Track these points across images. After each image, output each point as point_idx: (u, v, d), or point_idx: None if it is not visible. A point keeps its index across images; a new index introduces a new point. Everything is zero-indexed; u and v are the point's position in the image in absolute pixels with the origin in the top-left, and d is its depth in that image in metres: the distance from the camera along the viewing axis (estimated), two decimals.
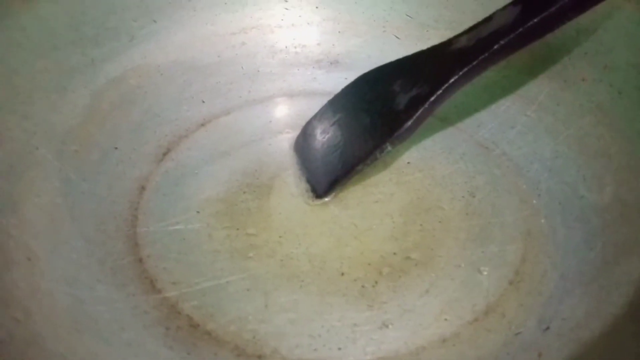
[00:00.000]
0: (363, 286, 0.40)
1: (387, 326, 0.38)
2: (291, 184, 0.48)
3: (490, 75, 0.47)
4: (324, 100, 0.52)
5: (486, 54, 0.43)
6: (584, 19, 0.48)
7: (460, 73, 0.43)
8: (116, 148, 0.49)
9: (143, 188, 0.47)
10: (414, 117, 0.44)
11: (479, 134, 0.52)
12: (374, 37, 0.60)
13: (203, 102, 0.55)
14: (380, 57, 0.52)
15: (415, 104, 0.44)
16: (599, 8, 0.43)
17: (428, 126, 0.51)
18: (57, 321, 0.36)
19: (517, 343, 0.36)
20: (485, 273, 0.41)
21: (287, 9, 0.61)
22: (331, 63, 0.60)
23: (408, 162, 0.50)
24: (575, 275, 0.40)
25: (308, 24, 0.61)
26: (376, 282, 0.40)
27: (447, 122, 0.53)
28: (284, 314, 0.38)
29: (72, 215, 0.44)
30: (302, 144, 0.51)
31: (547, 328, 0.37)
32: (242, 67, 0.58)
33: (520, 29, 0.42)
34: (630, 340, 0.34)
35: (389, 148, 0.45)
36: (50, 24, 0.50)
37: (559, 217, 0.44)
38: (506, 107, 0.53)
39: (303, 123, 0.52)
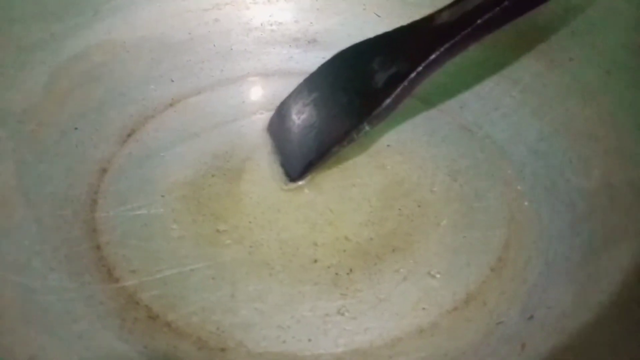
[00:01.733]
0: (337, 274, 0.38)
1: (361, 316, 0.35)
2: (264, 167, 0.45)
3: (473, 54, 0.44)
4: (300, 80, 0.49)
5: (469, 29, 0.40)
6: None
7: (442, 49, 0.41)
8: (76, 128, 0.46)
9: (104, 170, 0.44)
10: (393, 96, 0.41)
11: (462, 115, 0.50)
12: (354, 14, 0.57)
13: (172, 81, 0.52)
14: (360, 36, 0.49)
15: (394, 82, 0.42)
16: None
17: (408, 108, 0.48)
18: (3, 312, 0.33)
19: (499, 333, 0.34)
20: (465, 260, 0.38)
21: None
22: (309, 42, 0.57)
23: (387, 145, 0.47)
24: (561, 262, 0.38)
25: (285, 0, 0.58)
26: (351, 270, 0.38)
27: (428, 103, 0.51)
28: (251, 303, 0.36)
29: (27, 198, 0.41)
30: (276, 125, 0.48)
31: (531, 317, 0.34)
32: (214, 45, 0.55)
33: (506, 2, 0.40)
34: (618, 330, 0.32)
35: (367, 128, 0.42)
36: None
37: (544, 201, 0.42)
38: (490, 88, 0.51)
39: (278, 103, 0.49)
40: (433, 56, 0.41)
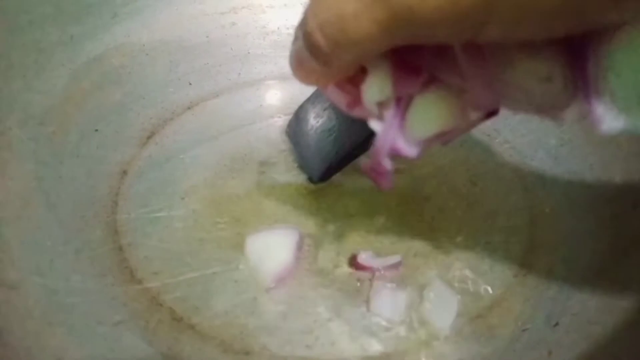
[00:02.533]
0: (359, 279, 0.37)
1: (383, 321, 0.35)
2: (283, 171, 0.45)
3: None
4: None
5: None
6: None
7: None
8: (97, 130, 0.46)
9: (124, 173, 0.44)
10: None
11: None
12: None
13: (190, 84, 0.52)
14: None
15: None
16: None
17: None
18: (26, 314, 0.33)
19: (525, 340, 0.34)
20: (488, 265, 0.38)
21: None
22: None
23: None
24: (584, 268, 0.37)
25: (301, 3, 0.56)
26: (373, 275, 0.38)
27: None
28: (275, 307, 0.36)
29: (48, 200, 0.41)
30: (295, 128, 0.48)
31: (557, 324, 0.34)
32: (231, 49, 0.55)
33: None
34: None
35: None
36: None
37: (566, 207, 0.42)
38: None
39: (295, 107, 0.49)
40: None
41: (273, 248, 0.38)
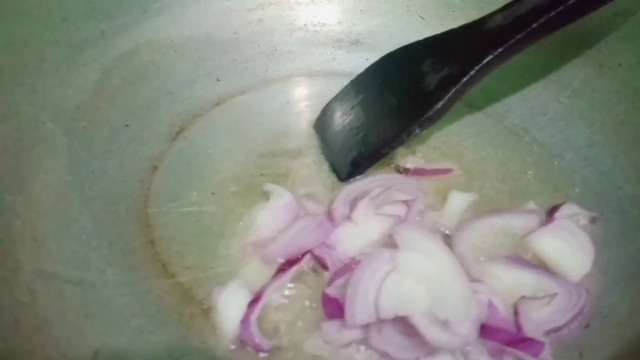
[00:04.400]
0: None
1: None
2: (311, 167, 0.46)
3: (520, 58, 0.44)
4: (344, 81, 0.49)
5: (523, 33, 0.40)
6: (623, 0, 0.46)
7: (496, 53, 0.41)
8: (127, 125, 0.47)
9: (155, 168, 0.45)
10: (446, 98, 0.41)
11: (508, 119, 0.50)
12: (397, 16, 0.57)
13: (218, 80, 0.53)
14: (403, 38, 0.49)
15: (447, 84, 0.42)
16: None
17: (454, 111, 0.48)
18: (65, 305, 0.34)
19: (556, 341, 0.34)
20: (520, 264, 0.38)
21: None
22: (352, 43, 0.57)
23: (434, 147, 0.47)
24: (615, 270, 0.37)
25: (328, 1, 0.58)
26: None
27: (473, 106, 0.51)
28: (304, 302, 0.36)
29: (81, 194, 0.41)
30: (322, 126, 0.48)
31: (587, 326, 0.34)
32: (258, 45, 0.56)
33: (561, 7, 0.39)
34: None
35: (417, 131, 0.42)
36: None
37: (595, 208, 0.42)
38: (537, 93, 0.50)
39: (322, 104, 0.49)
40: (487, 59, 0.41)
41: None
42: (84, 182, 0.42)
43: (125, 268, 0.38)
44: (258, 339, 0.33)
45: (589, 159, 0.45)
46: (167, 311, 0.35)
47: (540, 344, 0.32)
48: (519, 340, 0.32)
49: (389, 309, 0.33)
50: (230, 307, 0.34)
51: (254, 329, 0.33)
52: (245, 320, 0.34)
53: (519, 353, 0.32)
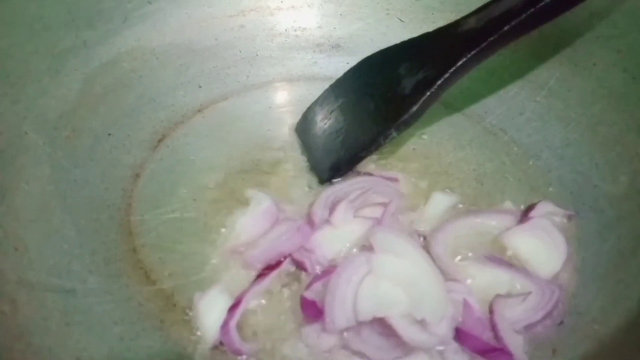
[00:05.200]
0: None
1: None
2: (292, 172, 0.46)
3: (497, 59, 0.45)
4: (325, 85, 0.50)
5: (496, 36, 0.41)
6: (598, 1, 0.46)
7: (469, 55, 0.41)
8: (110, 134, 0.47)
9: (137, 175, 0.45)
10: (421, 102, 0.42)
11: (486, 120, 0.50)
12: (377, 20, 0.58)
13: (200, 86, 0.53)
14: (384, 41, 0.50)
15: (422, 87, 0.42)
16: None
17: (433, 112, 0.48)
18: (46, 314, 0.34)
19: (530, 338, 0.34)
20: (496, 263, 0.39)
21: None
22: (332, 47, 0.58)
23: (413, 149, 0.48)
24: (589, 268, 0.38)
25: (309, 6, 0.59)
26: None
27: (452, 108, 0.52)
28: (281, 306, 0.37)
29: (64, 203, 0.42)
30: (303, 130, 0.49)
31: (561, 323, 0.35)
32: (240, 51, 0.56)
33: (533, 9, 0.40)
34: None
35: (394, 134, 0.43)
36: (42, 4, 0.47)
37: (571, 206, 0.42)
38: (514, 93, 0.51)
39: (304, 108, 0.50)
40: (460, 62, 0.41)
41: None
42: (66, 191, 0.42)
43: (107, 276, 0.38)
44: (238, 343, 0.34)
45: (565, 158, 0.46)
46: (148, 318, 0.36)
47: (509, 355, 0.32)
48: (488, 349, 0.32)
49: (367, 312, 0.33)
50: (210, 312, 0.35)
51: (233, 333, 0.34)
52: (225, 326, 0.34)
53: None
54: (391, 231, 0.36)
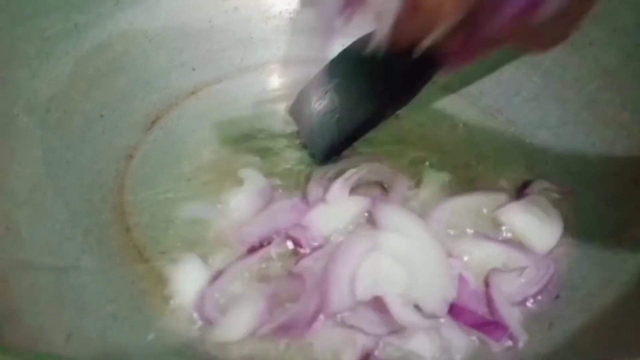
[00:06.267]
0: None
1: None
2: (287, 151, 0.46)
3: None
4: (319, 68, 0.49)
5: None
6: None
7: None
8: (102, 116, 0.47)
9: (130, 157, 0.45)
10: (416, 81, 0.41)
11: (483, 101, 0.50)
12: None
13: (194, 69, 0.53)
14: None
15: (417, 67, 0.42)
16: None
17: (429, 93, 0.48)
18: (38, 294, 0.34)
19: (526, 312, 0.34)
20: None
21: None
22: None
23: (409, 129, 0.47)
24: (586, 243, 0.38)
25: None
26: None
27: (448, 89, 0.51)
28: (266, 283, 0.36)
29: (56, 184, 0.41)
30: (298, 111, 0.48)
31: (557, 296, 0.35)
32: (234, 34, 0.56)
33: None
34: None
35: (390, 113, 0.42)
36: None
37: (568, 184, 0.42)
38: (510, 73, 0.51)
39: (298, 91, 0.49)
40: None
41: None
42: (58, 172, 0.42)
43: (100, 255, 0.38)
44: (209, 312, 0.34)
45: (561, 136, 0.46)
46: (141, 295, 0.36)
47: (504, 328, 0.32)
48: (482, 323, 0.32)
49: (366, 291, 0.33)
50: (186, 281, 0.35)
51: (208, 302, 0.34)
52: (203, 297, 0.34)
53: (482, 335, 0.32)
54: (398, 208, 0.36)
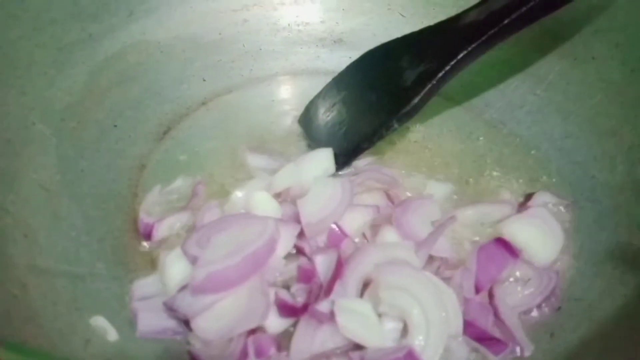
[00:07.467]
0: None
1: None
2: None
3: (498, 53, 0.45)
4: (327, 79, 0.51)
5: (496, 29, 0.41)
6: None
7: (469, 48, 0.42)
8: (115, 126, 0.48)
9: (143, 166, 0.46)
10: (422, 94, 0.43)
11: (487, 113, 0.51)
12: (379, 15, 0.59)
13: (204, 80, 0.54)
14: (385, 36, 0.50)
15: (423, 80, 0.43)
16: None
17: (433, 105, 0.49)
18: (56, 298, 0.35)
19: (529, 323, 0.35)
20: None
21: None
22: (335, 41, 0.58)
23: (415, 141, 0.48)
24: (587, 255, 0.39)
25: (311, 1, 0.59)
26: None
27: (453, 101, 0.52)
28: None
29: (71, 192, 0.43)
30: (306, 122, 0.50)
31: (559, 308, 0.36)
32: (244, 45, 0.57)
33: (533, 2, 0.40)
34: None
35: (396, 126, 0.43)
36: None
37: (570, 196, 0.43)
38: (515, 86, 0.52)
39: (306, 102, 0.51)
40: (461, 55, 0.42)
41: None
42: (74, 180, 0.43)
43: (115, 263, 0.39)
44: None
45: (563, 149, 0.46)
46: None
47: (503, 345, 0.33)
48: (485, 337, 0.33)
49: None
50: (173, 269, 0.36)
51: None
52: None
53: (482, 349, 0.33)
54: (399, 265, 0.35)
